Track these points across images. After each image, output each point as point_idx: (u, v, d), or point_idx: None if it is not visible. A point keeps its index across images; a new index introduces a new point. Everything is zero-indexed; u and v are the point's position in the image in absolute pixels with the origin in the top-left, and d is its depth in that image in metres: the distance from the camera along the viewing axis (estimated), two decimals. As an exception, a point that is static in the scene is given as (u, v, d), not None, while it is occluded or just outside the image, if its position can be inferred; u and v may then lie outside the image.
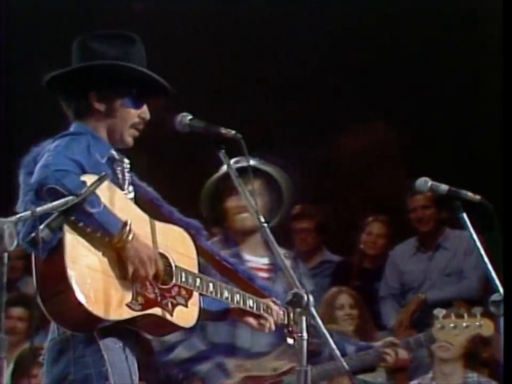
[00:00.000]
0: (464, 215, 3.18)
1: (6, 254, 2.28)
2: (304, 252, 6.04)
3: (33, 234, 2.35)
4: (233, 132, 2.86)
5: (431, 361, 4.74)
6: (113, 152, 2.96)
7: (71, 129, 2.95)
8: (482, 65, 6.10)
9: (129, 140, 2.98)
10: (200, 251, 3.06)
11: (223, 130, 2.86)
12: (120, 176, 2.95)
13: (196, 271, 2.98)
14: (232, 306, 3.12)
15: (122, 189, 2.93)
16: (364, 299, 5.38)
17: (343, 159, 6.46)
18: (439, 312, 3.88)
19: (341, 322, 5.14)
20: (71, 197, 2.49)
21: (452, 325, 3.82)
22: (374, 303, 5.69)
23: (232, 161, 3.48)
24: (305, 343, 2.64)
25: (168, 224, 2.99)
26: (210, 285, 2.98)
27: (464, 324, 3.82)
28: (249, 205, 2.82)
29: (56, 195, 2.60)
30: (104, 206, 2.73)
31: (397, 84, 6.26)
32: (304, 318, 2.66)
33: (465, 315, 3.85)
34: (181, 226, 3.03)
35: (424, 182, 3.27)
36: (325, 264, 6.05)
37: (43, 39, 6.60)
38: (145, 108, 3.00)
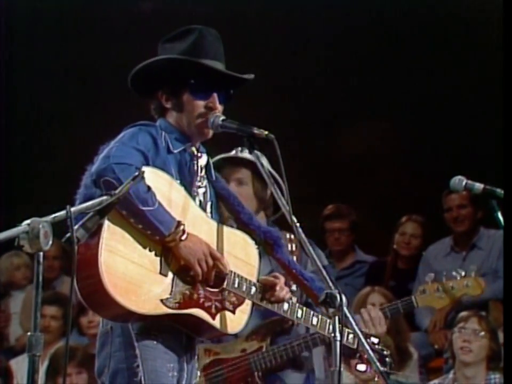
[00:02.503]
0: (499, 214, 3.14)
1: (41, 254, 2.30)
2: (337, 252, 6.02)
3: (68, 235, 2.36)
4: (266, 132, 2.86)
5: (452, 363, 4.67)
6: (192, 147, 2.95)
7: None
8: (482, 65, 6.06)
9: (197, 131, 2.93)
10: (277, 262, 3.02)
11: (256, 131, 2.86)
12: (194, 170, 2.93)
13: (254, 279, 2.94)
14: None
15: (191, 183, 2.92)
16: (398, 300, 5.33)
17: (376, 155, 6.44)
18: (429, 277, 3.66)
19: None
20: (105, 197, 2.50)
21: (434, 288, 3.55)
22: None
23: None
24: (338, 344, 2.63)
25: (232, 228, 2.97)
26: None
27: (450, 285, 3.55)
28: (280, 204, 2.82)
29: (112, 188, 2.60)
30: (159, 204, 2.73)
31: (399, 83, 6.23)
32: (337, 318, 2.65)
33: (458, 276, 3.54)
34: (258, 234, 3.00)
35: (458, 181, 3.24)
36: (357, 264, 6.02)
37: (45, 38, 6.63)
38: (213, 97, 2.94)
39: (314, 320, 3.06)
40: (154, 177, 2.75)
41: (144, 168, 2.71)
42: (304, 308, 3.04)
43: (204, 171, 2.98)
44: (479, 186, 3.22)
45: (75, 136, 6.47)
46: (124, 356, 2.79)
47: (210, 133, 2.96)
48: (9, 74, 6.79)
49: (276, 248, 3.03)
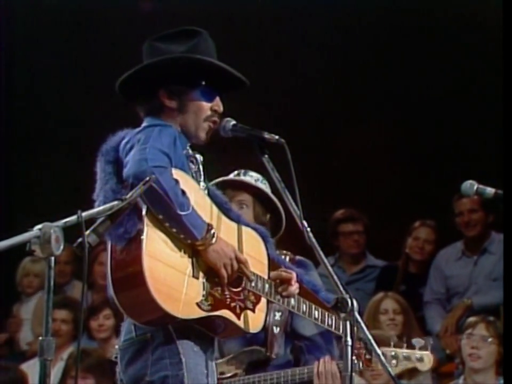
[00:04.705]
0: (511, 219, 3.13)
1: (52, 258, 2.30)
2: (353, 255, 6.00)
3: (79, 240, 2.37)
4: (277, 137, 2.86)
5: (462, 369, 4.66)
6: (188, 148, 2.94)
7: (145, 123, 2.90)
8: (482, 66, 6.03)
9: (203, 135, 2.94)
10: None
11: (267, 135, 2.86)
12: (194, 173, 2.93)
13: (265, 276, 2.97)
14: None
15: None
16: (409, 304, 5.33)
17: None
18: (393, 339, 3.62)
19: (384, 328, 5.10)
20: (116, 202, 2.50)
21: (392, 353, 3.48)
22: (419, 309, 5.64)
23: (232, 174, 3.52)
24: (349, 348, 2.63)
25: (244, 226, 2.99)
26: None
27: (405, 355, 3.48)
28: (292, 210, 2.82)
29: (151, 192, 2.59)
30: (192, 209, 2.74)
31: (408, 86, 6.21)
32: (348, 323, 2.65)
33: (417, 345, 3.46)
34: None
35: (470, 185, 3.23)
36: (368, 269, 6.01)
37: (46, 38, 6.61)
38: (217, 100, 2.95)
39: (316, 314, 3.14)
40: (179, 179, 2.75)
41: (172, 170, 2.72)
42: (308, 302, 3.10)
43: (202, 172, 2.99)
44: (490, 190, 3.22)
45: (76, 138, 6.49)
46: (168, 363, 2.77)
47: (209, 137, 2.96)
48: (9, 78, 6.79)
49: (265, 245, 3.05)
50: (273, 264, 3.07)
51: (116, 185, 2.75)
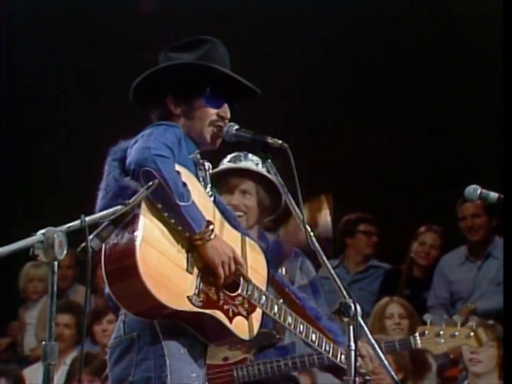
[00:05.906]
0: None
1: (56, 263, 2.30)
2: (360, 255, 5.98)
3: (82, 245, 2.37)
4: (280, 141, 2.86)
5: (466, 374, 4.65)
6: (197, 155, 2.95)
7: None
8: (482, 66, 6.03)
9: (208, 137, 2.94)
10: (269, 280, 3.03)
11: (270, 140, 2.86)
12: (201, 179, 2.93)
13: (263, 288, 2.97)
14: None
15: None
16: (416, 311, 5.32)
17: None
18: (427, 317, 3.60)
19: (389, 332, 5.10)
20: (119, 207, 2.51)
21: (435, 332, 3.48)
22: (423, 313, 5.62)
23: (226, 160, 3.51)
24: (353, 353, 2.62)
25: (247, 238, 2.98)
26: (275, 306, 2.97)
27: (451, 332, 3.48)
28: (294, 213, 2.81)
29: (151, 179, 2.60)
30: (192, 202, 2.74)
31: (400, 85, 6.20)
32: (351, 327, 2.65)
33: (458, 324, 3.50)
34: None
35: (473, 190, 3.23)
36: (372, 269, 6.01)
37: (47, 39, 6.63)
38: (225, 107, 2.96)
39: (314, 337, 3.11)
40: (183, 176, 2.76)
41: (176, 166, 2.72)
42: (305, 323, 3.08)
43: (209, 179, 2.99)
44: (494, 195, 3.22)
45: (77, 140, 6.50)
46: (152, 365, 2.76)
47: (218, 143, 2.96)
48: (10, 80, 6.80)
49: (266, 260, 3.03)
50: (276, 285, 3.08)
51: (119, 175, 2.75)
